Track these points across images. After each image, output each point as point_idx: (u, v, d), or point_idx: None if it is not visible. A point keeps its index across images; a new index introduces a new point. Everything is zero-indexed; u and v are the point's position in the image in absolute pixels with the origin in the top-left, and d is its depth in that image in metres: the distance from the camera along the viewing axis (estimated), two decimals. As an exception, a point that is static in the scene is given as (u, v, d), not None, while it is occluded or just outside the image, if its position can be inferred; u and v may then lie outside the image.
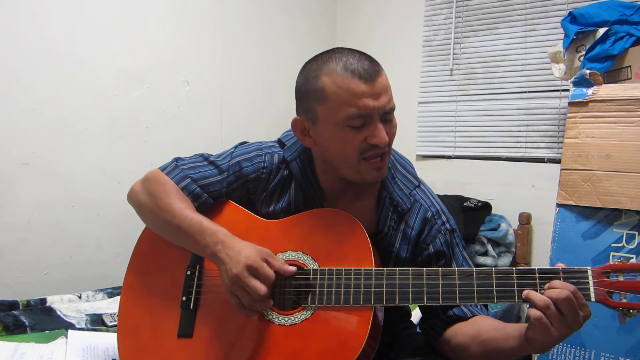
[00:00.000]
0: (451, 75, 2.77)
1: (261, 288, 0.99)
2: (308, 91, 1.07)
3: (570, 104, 1.80)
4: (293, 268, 1.05)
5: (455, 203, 2.51)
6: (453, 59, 2.74)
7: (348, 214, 1.10)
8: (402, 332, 1.28)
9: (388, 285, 1.01)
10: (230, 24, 2.62)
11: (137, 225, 1.23)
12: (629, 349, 1.62)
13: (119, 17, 2.19)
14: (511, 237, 2.47)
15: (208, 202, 1.18)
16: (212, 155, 1.23)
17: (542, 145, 2.50)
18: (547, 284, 0.92)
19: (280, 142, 1.24)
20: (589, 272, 0.93)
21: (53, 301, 1.78)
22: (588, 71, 1.78)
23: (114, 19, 2.17)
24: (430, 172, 2.74)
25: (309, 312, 1.04)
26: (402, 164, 1.22)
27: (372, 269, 1.03)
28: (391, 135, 1.08)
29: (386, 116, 1.05)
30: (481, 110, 2.68)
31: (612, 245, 1.69)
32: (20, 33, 1.92)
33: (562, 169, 1.79)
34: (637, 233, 1.66)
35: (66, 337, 1.44)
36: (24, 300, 1.72)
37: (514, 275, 0.96)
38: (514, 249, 2.49)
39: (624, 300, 0.90)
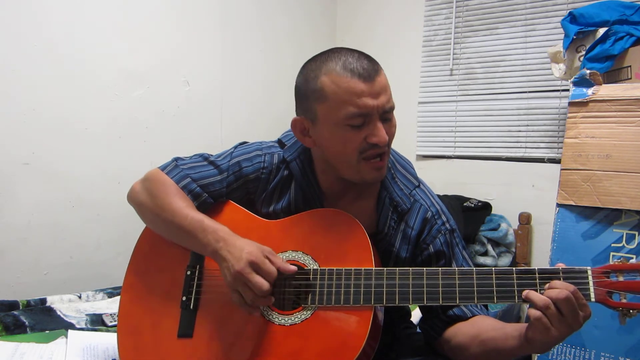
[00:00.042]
0: (451, 75, 2.77)
1: (264, 284, 0.99)
2: (307, 91, 1.07)
3: (570, 104, 1.80)
4: (294, 267, 1.05)
5: (455, 203, 2.51)
6: (453, 59, 2.74)
7: (348, 214, 1.10)
8: (402, 332, 1.28)
9: (388, 286, 1.01)
10: (230, 24, 2.62)
11: (137, 225, 1.23)
12: (629, 349, 1.62)
13: (119, 17, 2.19)
14: (511, 237, 2.47)
15: (208, 201, 1.18)
16: (212, 155, 1.23)
17: (542, 145, 2.50)
18: (547, 284, 0.92)
19: (280, 142, 1.24)
20: (589, 272, 0.93)
21: (53, 301, 1.78)
22: (588, 71, 1.78)
23: (114, 19, 2.17)
24: (430, 172, 2.74)
25: (309, 312, 1.04)
26: (402, 164, 1.22)
27: (372, 269, 1.03)
28: (391, 135, 1.08)
29: (385, 115, 1.05)
30: (481, 110, 2.68)
31: (612, 245, 1.69)
32: (20, 33, 1.92)
33: (562, 169, 1.79)
34: (637, 233, 1.66)
35: (66, 337, 1.44)
36: (24, 300, 1.72)
37: (514, 275, 0.96)
38: (514, 249, 2.49)
39: (624, 301, 0.90)
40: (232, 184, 1.19)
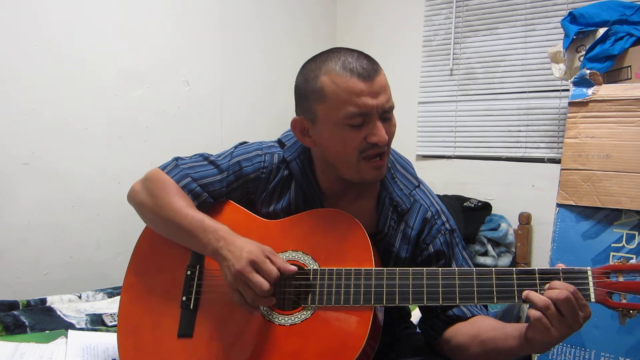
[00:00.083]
0: (451, 75, 2.77)
1: (264, 283, 0.99)
2: (307, 91, 1.07)
3: (570, 104, 1.80)
4: (294, 267, 1.04)
5: (455, 203, 2.51)
6: (453, 59, 2.74)
7: (348, 214, 1.10)
8: (402, 332, 1.28)
9: (388, 286, 1.01)
10: (230, 24, 2.62)
11: (137, 225, 1.23)
12: (629, 349, 1.62)
13: (119, 17, 2.19)
14: (511, 237, 2.47)
15: (208, 201, 1.18)
16: (212, 155, 1.23)
17: (542, 145, 2.50)
18: (547, 285, 0.92)
19: (280, 142, 1.24)
20: (589, 273, 0.93)
21: (53, 301, 1.78)
22: (588, 71, 1.78)
23: (114, 19, 2.17)
24: (430, 172, 2.74)
25: (309, 312, 1.04)
26: (401, 164, 1.22)
27: (372, 269, 1.03)
28: (390, 135, 1.08)
29: (385, 115, 1.05)
30: (481, 110, 2.68)
31: (612, 245, 1.69)
32: (20, 33, 1.92)
33: (562, 169, 1.79)
34: (637, 233, 1.66)
35: (66, 337, 1.44)
36: (24, 300, 1.72)
37: (514, 275, 0.96)
38: (514, 249, 2.49)
39: (624, 301, 0.90)
40: (232, 183, 1.19)
